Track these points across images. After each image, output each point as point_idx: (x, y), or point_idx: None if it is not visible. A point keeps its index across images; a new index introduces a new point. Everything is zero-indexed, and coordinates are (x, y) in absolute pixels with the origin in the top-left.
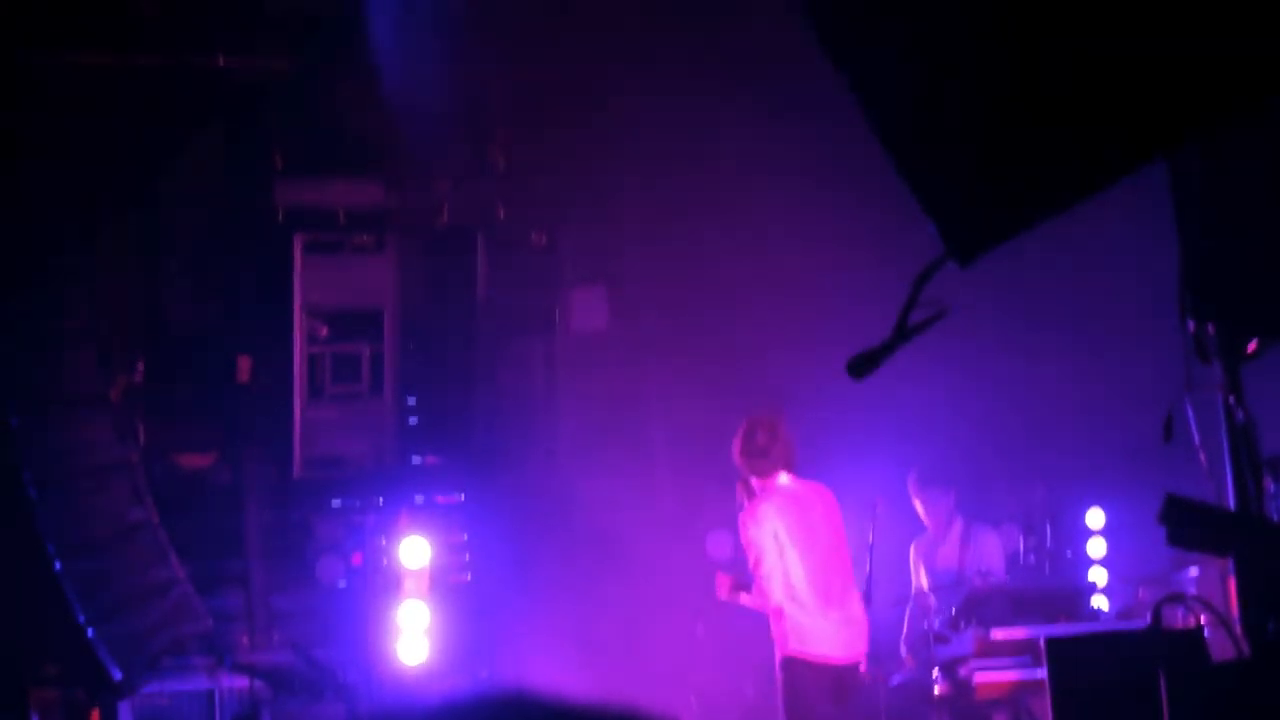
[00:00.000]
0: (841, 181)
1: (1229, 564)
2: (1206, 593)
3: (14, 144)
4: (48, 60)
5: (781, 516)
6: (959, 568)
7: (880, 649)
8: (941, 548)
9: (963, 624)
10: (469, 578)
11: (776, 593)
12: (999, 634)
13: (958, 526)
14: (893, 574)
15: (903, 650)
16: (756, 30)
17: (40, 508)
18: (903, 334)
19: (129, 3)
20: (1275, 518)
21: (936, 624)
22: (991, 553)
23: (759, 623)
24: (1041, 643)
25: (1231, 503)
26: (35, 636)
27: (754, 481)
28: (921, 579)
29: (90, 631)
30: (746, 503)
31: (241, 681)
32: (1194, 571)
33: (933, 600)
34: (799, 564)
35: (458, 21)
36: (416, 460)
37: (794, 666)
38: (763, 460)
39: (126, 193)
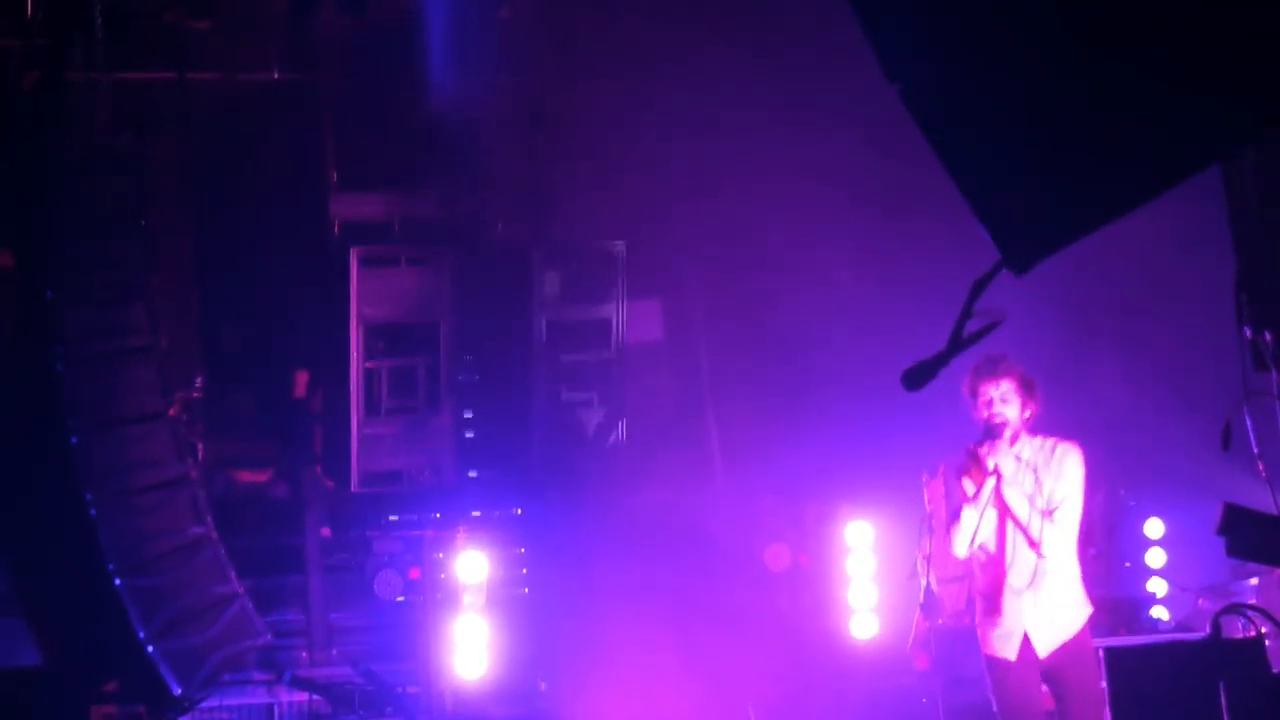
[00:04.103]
0: (898, 190)
1: None
2: (1266, 603)
3: (72, 162)
4: (105, 79)
5: None
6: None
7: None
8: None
9: None
10: (527, 591)
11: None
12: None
13: None
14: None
15: (910, 649)
16: (810, 42)
17: (101, 525)
18: (958, 344)
19: (184, 21)
20: None
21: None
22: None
23: (814, 634)
24: (1101, 653)
25: None
26: (96, 653)
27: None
28: (931, 581)
29: (150, 648)
30: (1076, 444)
31: (300, 697)
32: (1254, 581)
33: (945, 603)
34: None
35: (514, 35)
36: (473, 474)
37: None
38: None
39: (183, 209)
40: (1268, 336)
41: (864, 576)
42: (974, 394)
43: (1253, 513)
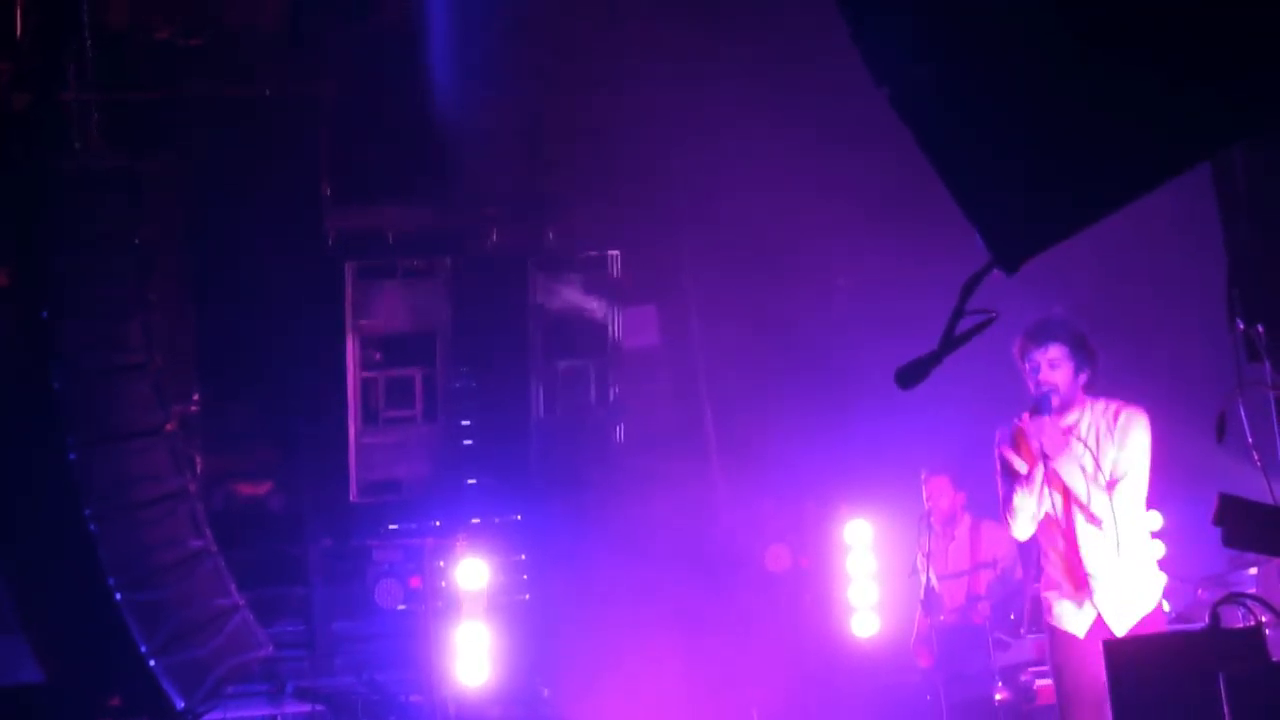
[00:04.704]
0: (893, 194)
1: None
2: (1266, 592)
3: (67, 180)
4: (97, 98)
5: None
6: (970, 565)
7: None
8: (951, 545)
9: (1023, 630)
10: (527, 597)
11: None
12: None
13: (966, 523)
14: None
15: (913, 646)
16: (808, 49)
17: (101, 540)
18: (950, 343)
19: (176, 39)
20: None
21: (990, 628)
22: (1001, 544)
23: (815, 634)
24: (1100, 645)
25: None
26: (98, 668)
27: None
28: (931, 578)
29: (152, 662)
30: (1142, 410)
31: (304, 707)
32: (1253, 571)
33: (945, 600)
34: None
35: (508, 46)
36: (472, 482)
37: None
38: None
39: (178, 224)
40: (1260, 328)
41: (864, 575)
42: (1023, 358)
43: (1248, 503)
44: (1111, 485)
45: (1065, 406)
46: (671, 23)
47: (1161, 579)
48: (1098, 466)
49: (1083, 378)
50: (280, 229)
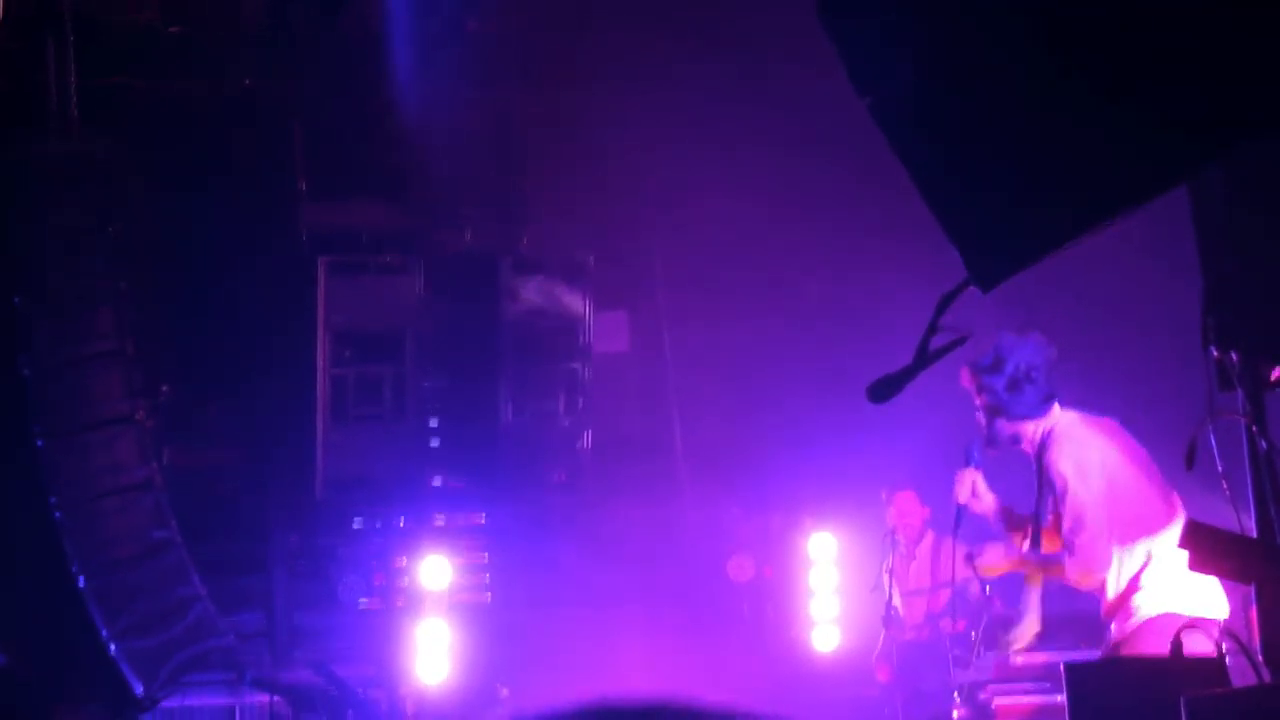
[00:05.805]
0: (869, 206)
1: (1250, 591)
2: (1228, 620)
3: (40, 167)
4: (73, 84)
5: (1102, 440)
6: (931, 583)
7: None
8: (913, 564)
9: (983, 648)
10: (489, 597)
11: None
12: (1020, 659)
13: (929, 540)
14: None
15: (874, 661)
16: (782, 55)
17: (65, 528)
18: (924, 359)
19: (156, 28)
20: None
21: (951, 645)
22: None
23: (777, 646)
24: (1061, 668)
25: (1254, 530)
26: (59, 653)
27: (1019, 429)
28: (894, 596)
29: (113, 648)
30: (1057, 437)
31: (262, 698)
32: None
33: (905, 617)
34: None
35: (484, 46)
36: (438, 481)
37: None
38: (1030, 389)
39: (152, 215)
40: (1234, 356)
41: (827, 589)
42: None
43: (1215, 529)
44: (1048, 527)
45: (1013, 442)
46: (649, 27)
47: (1127, 623)
48: (1036, 510)
49: (1019, 406)
50: (255, 222)
